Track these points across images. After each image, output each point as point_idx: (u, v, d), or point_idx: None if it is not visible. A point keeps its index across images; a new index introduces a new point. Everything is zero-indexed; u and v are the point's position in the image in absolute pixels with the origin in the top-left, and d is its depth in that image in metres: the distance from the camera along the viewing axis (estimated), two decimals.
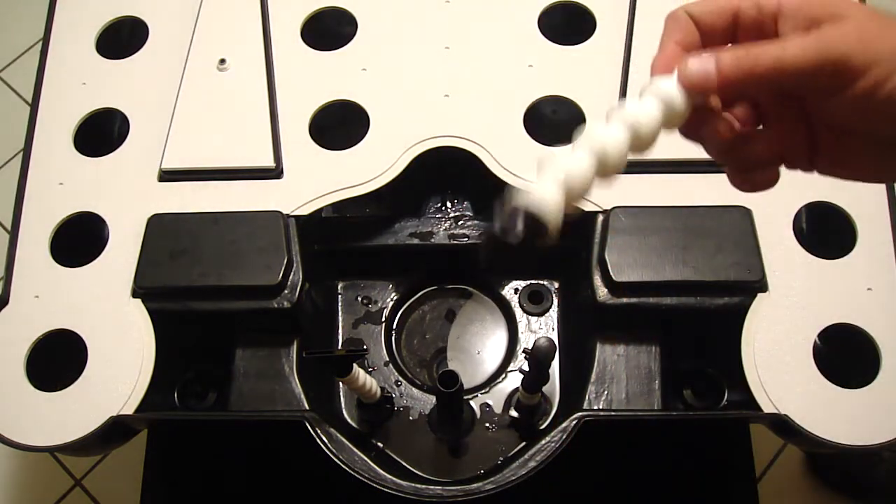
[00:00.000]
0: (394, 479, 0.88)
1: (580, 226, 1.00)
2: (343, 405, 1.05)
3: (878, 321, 0.93)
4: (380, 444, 1.01)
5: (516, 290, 1.13)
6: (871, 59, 0.39)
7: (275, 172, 1.04)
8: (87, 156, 1.08)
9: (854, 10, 0.40)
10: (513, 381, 1.06)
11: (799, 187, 1.00)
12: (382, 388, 0.99)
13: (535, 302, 1.12)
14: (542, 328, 1.11)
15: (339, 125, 1.09)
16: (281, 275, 0.96)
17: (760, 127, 0.46)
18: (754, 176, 0.45)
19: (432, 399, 1.03)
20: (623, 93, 1.05)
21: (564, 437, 0.88)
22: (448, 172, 1.09)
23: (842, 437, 0.88)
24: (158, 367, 0.94)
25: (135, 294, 0.98)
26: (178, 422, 1.09)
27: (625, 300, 0.95)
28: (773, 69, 0.39)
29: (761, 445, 1.27)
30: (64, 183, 1.06)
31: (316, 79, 1.10)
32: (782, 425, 0.89)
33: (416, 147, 1.04)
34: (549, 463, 0.88)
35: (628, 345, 0.98)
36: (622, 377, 0.96)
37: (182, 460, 1.11)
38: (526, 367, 0.91)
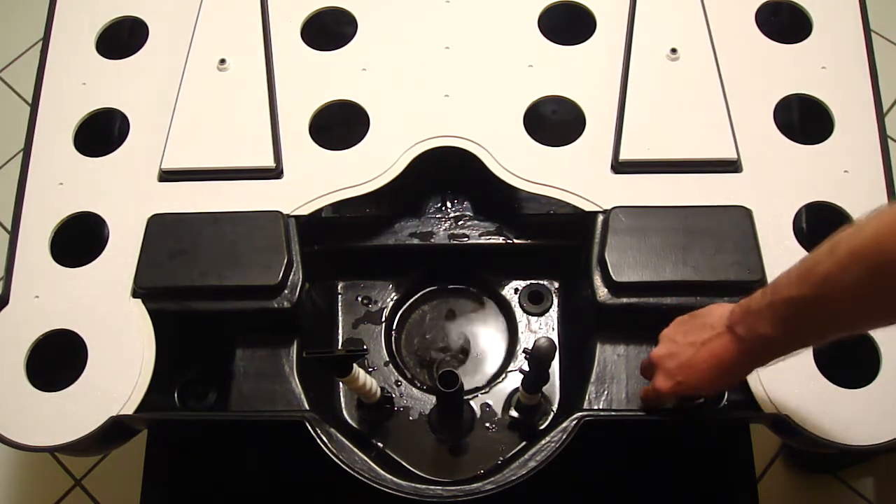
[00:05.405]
0: (394, 479, 0.88)
1: (580, 226, 1.00)
2: (343, 405, 1.05)
3: None
4: (380, 444, 1.01)
5: (516, 290, 1.13)
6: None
7: (275, 172, 1.04)
8: (87, 156, 1.08)
9: (664, 339, 0.83)
10: (513, 381, 1.06)
11: (799, 187, 1.00)
12: (382, 388, 0.99)
13: (535, 302, 1.12)
14: (542, 328, 1.11)
15: (339, 125, 1.09)
16: (281, 275, 0.96)
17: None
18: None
19: (432, 399, 1.03)
20: (623, 92, 1.05)
21: (564, 437, 0.88)
22: (448, 172, 1.09)
23: (842, 437, 0.88)
24: (158, 367, 0.94)
25: (135, 294, 0.98)
26: (178, 422, 1.09)
27: (625, 300, 0.95)
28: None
29: (761, 445, 1.27)
30: (64, 183, 1.06)
31: (316, 79, 1.10)
32: (782, 425, 0.89)
33: (416, 147, 1.04)
34: (549, 463, 0.88)
35: (628, 345, 0.98)
36: (622, 377, 0.96)
37: (182, 460, 1.11)
38: (526, 367, 0.91)
